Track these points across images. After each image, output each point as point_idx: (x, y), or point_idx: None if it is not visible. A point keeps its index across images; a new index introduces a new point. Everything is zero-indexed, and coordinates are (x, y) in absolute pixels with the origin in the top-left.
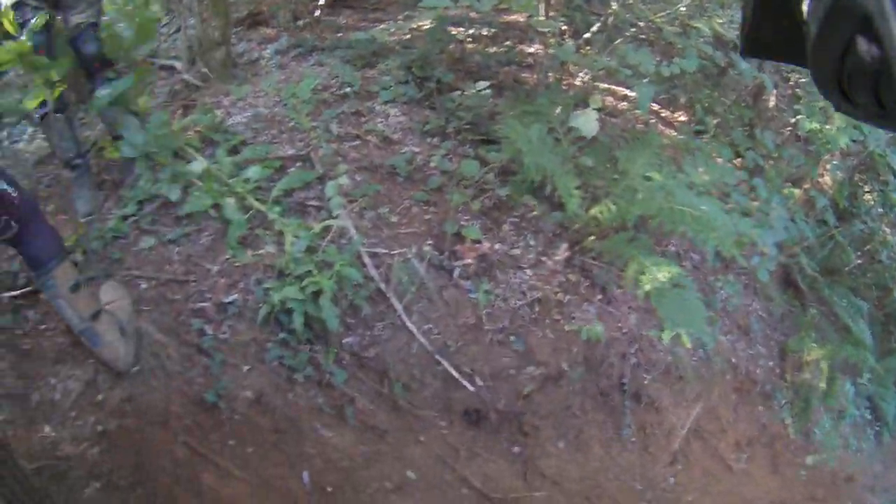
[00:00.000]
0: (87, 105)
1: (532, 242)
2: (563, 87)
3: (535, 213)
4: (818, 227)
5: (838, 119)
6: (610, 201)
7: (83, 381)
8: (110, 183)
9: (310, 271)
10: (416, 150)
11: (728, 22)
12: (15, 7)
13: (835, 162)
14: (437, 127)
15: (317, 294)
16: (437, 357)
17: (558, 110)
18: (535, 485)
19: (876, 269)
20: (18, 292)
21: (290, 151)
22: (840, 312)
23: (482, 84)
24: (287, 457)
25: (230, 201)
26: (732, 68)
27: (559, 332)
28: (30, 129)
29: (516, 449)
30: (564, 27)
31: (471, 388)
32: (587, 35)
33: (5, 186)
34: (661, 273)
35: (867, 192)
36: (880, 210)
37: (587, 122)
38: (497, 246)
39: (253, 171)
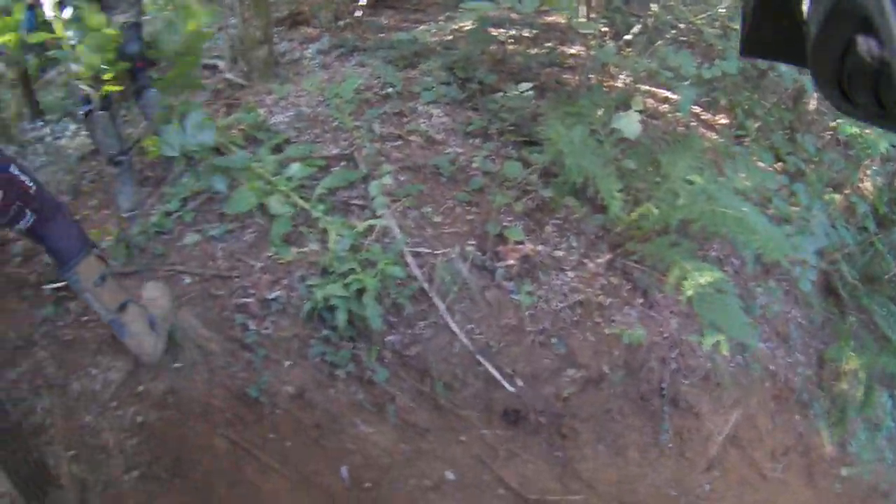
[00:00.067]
0: (130, 103)
1: (574, 244)
2: (605, 89)
3: (577, 214)
4: (859, 234)
5: None
6: (652, 204)
7: (124, 371)
8: (153, 179)
9: (353, 269)
10: (459, 150)
11: None
12: (59, 7)
13: (875, 167)
14: (479, 128)
15: (360, 292)
16: (479, 357)
17: (600, 112)
18: (572, 487)
19: None
20: (60, 284)
21: (334, 150)
22: (879, 321)
23: (524, 85)
24: (327, 452)
25: (274, 199)
26: (773, 70)
27: (600, 336)
28: (72, 126)
29: (554, 451)
30: (605, 29)
31: (511, 389)
32: (628, 37)
33: (17, 172)
34: (704, 278)
35: None
36: None
37: (630, 123)
38: (539, 247)
39: (296, 170)
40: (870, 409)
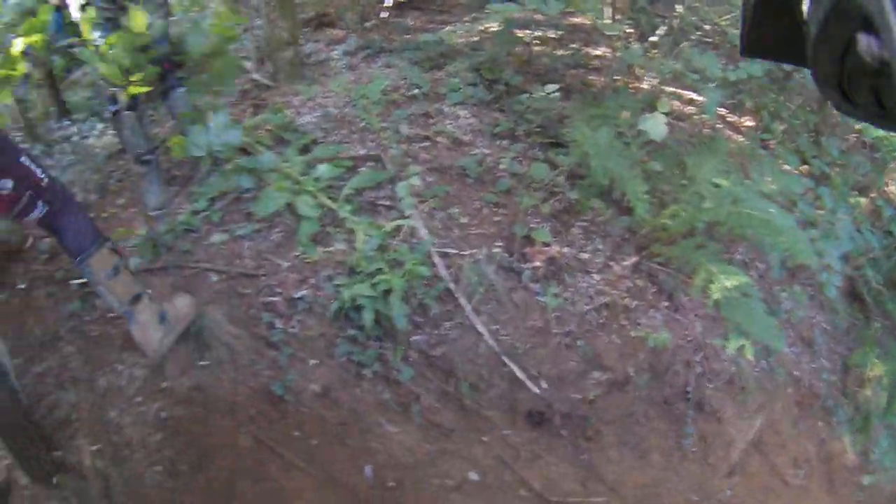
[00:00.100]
0: (157, 103)
1: (600, 247)
2: (631, 91)
3: (603, 216)
4: (884, 238)
5: None
6: (678, 207)
7: (149, 368)
8: (181, 179)
9: (380, 269)
10: (486, 151)
11: None
12: (83, 9)
13: None
14: (506, 129)
15: (387, 292)
16: (504, 358)
17: (626, 114)
18: (595, 490)
19: None
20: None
21: (361, 151)
22: None
23: (551, 87)
24: (351, 451)
25: (301, 199)
26: (798, 73)
27: (625, 338)
28: (99, 126)
29: (578, 453)
30: (630, 30)
31: (536, 391)
32: (653, 38)
33: (29, 163)
34: (729, 281)
35: None
36: None
37: (656, 125)
38: (566, 249)
39: (324, 170)
40: (893, 416)
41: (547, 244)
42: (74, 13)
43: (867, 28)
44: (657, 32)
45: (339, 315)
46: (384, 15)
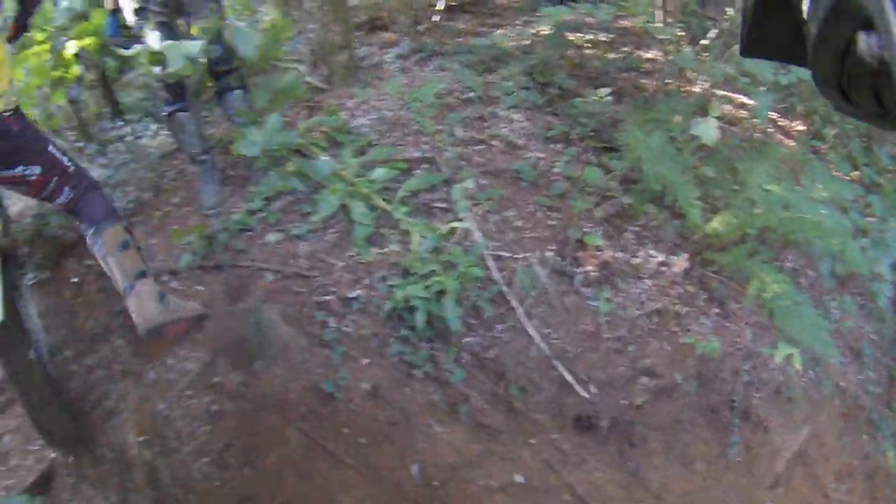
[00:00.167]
0: (212, 104)
1: (653, 252)
2: (682, 95)
3: (656, 222)
4: None
5: None
6: (729, 213)
7: (201, 363)
8: (237, 179)
9: (434, 271)
10: (540, 155)
11: None
12: (137, 13)
13: None
14: (560, 133)
15: (440, 293)
16: (555, 362)
17: (678, 118)
18: (638, 497)
19: None
20: None
21: (416, 154)
22: None
23: (603, 91)
24: (398, 449)
25: (356, 201)
26: None
27: (675, 345)
28: (153, 126)
29: (624, 459)
30: (681, 33)
31: (585, 395)
32: (704, 41)
33: (56, 153)
34: (782, 289)
35: None
36: None
37: (708, 129)
38: (618, 254)
39: (379, 172)
40: None
41: (599, 248)
42: (128, 18)
43: (867, 28)
44: (708, 35)
45: (392, 315)
46: (436, 18)
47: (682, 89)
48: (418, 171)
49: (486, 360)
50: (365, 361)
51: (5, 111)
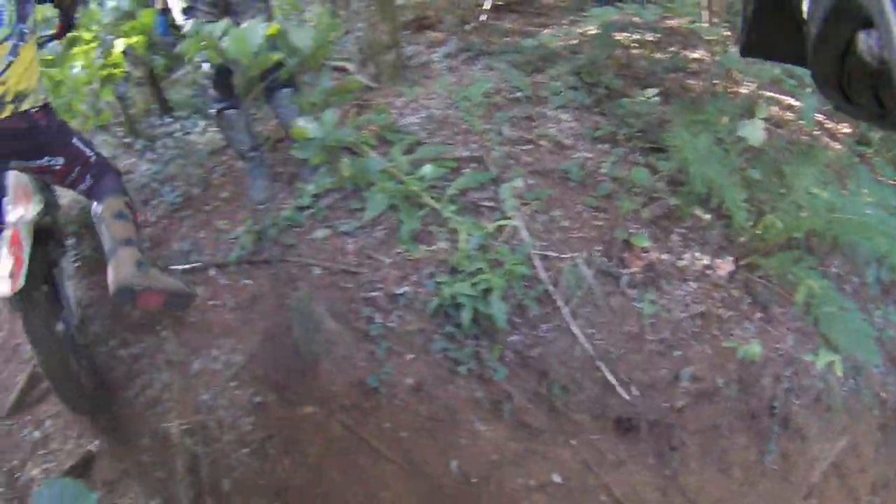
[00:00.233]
0: (260, 102)
1: (698, 254)
2: (729, 96)
3: (702, 224)
4: None
5: None
6: (775, 216)
7: (247, 355)
8: (286, 175)
9: (481, 269)
10: (588, 155)
11: None
12: (186, 12)
13: None
14: (607, 133)
15: (487, 291)
16: (598, 363)
17: (725, 119)
18: (674, 500)
19: None
20: (189, 266)
21: (464, 153)
22: None
23: (650, 91)
24: (439, 445)
25: (405, 199)
26: None
27: (717, 349)
28: (202, 123)
29: (661, 462)
30: (727, 33)
31: (626, 397)
32: None
33: (80, 144)
34: (828, 295)
35: None
36: None
37: (754, 131)
38: (664, 256)
39: (428, 171)
40: None
41: (646, 250)
42: (177, 17)
43: (867, 28)
44: None
45: (439, 312)
46: (483, 18)
47: (728, 90)
48: (466, 170)
49: (529, 359)
50: (409, 357)
51: (33, 108)
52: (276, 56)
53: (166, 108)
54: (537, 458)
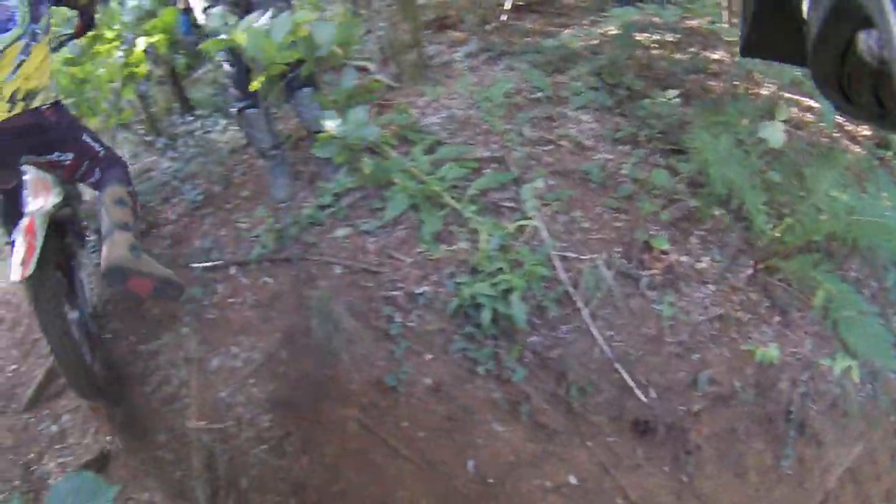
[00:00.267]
0: (280, 101)
1: (718, 257)
2: (750, 97)
3: (721, 226)
4: None
5: None
6: (795, 219)
7: (266, 353)
8: (307, 174)
9: (501, 269)
10: (609, 157)
11: None
12: (207, 10)
13: None
14: (628, 134)
15: (507, 292)
16: (616, 365)
17: (746, 121)
18: None
19: None
20: (210, 264)
21: (485, 153)
22: None
23: (671, 92)
24: (456, 445)
25: (426, 199)
26: None
27: (735, 352)
28: (223, 121)
29: (677, 466)
30: None
31: (644, 399)
32: None
33: (89, 140)
34: (847, 299)
35: None
36: None
37: (775, 133)
38: (684, 258)
39: (449, 170)
40: None
41: (665, 252)
42: (199, 16)
43: (867, 28)
44: None
45: (458, 312)
46: (504, 18)
47: (749, 91)
48: (487, 170)
49: (548, 360)
50: (428, 357)
51: (44, 105)
52: (297, 53)
53: (187, 106)
54: (554, 460)
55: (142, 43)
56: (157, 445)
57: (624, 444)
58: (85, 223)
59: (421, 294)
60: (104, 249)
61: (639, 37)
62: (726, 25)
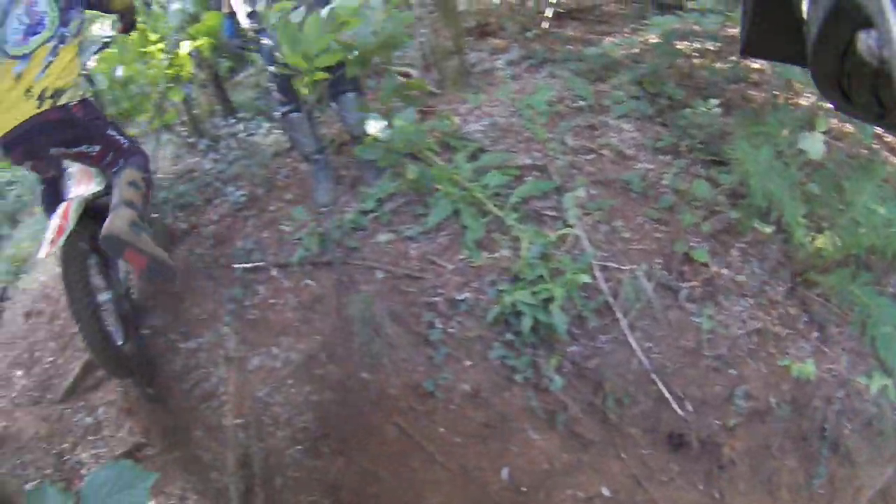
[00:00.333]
0: (324, 105)
1: (757, 270)
2: (790, 107)
3: (761, 238)
4: None
5: None
6: (834, 233)
7: (306, 354)
8: (350, 179)
9: (542, 277)
10: (650, 166)
11: None
12: (251, 16)
13: None
14: (669, 144)
15: (547, 300)
16: (654, 376)
17: (786, 132)
18: None
19: None
20: (252, 265)
21: (527, 161)
22: None
23: (712, 102)
24: (491, 452)
25: (469, 206)
26: None
27: (772, 367)
28: (266, 124)
29: (710, 481)
30: None
31: (679, 412)
32: None
33: (114, 133)
34: (886, 315)
35: None
36: None
37: (814, 144)
38: (724, 271)
39: (491, 178)
40: None
41: (705, 264)
42: (242, 21)
43: (867, 28)
44: None
45: (499, 320)
46: (545, 25)
47: (789, 101)
48: (529, 178)
49: (586, 370)
50: (467, 363)
51: (71, 102)
52: (338, 55)
53: (230, 109)
54: (588, 470)
55: (186, 46)
56: (193, 441)
57: (658, 457)
58: None
59: (462, 301)
60: (108, 220)
61: (679, 45)
62: None
